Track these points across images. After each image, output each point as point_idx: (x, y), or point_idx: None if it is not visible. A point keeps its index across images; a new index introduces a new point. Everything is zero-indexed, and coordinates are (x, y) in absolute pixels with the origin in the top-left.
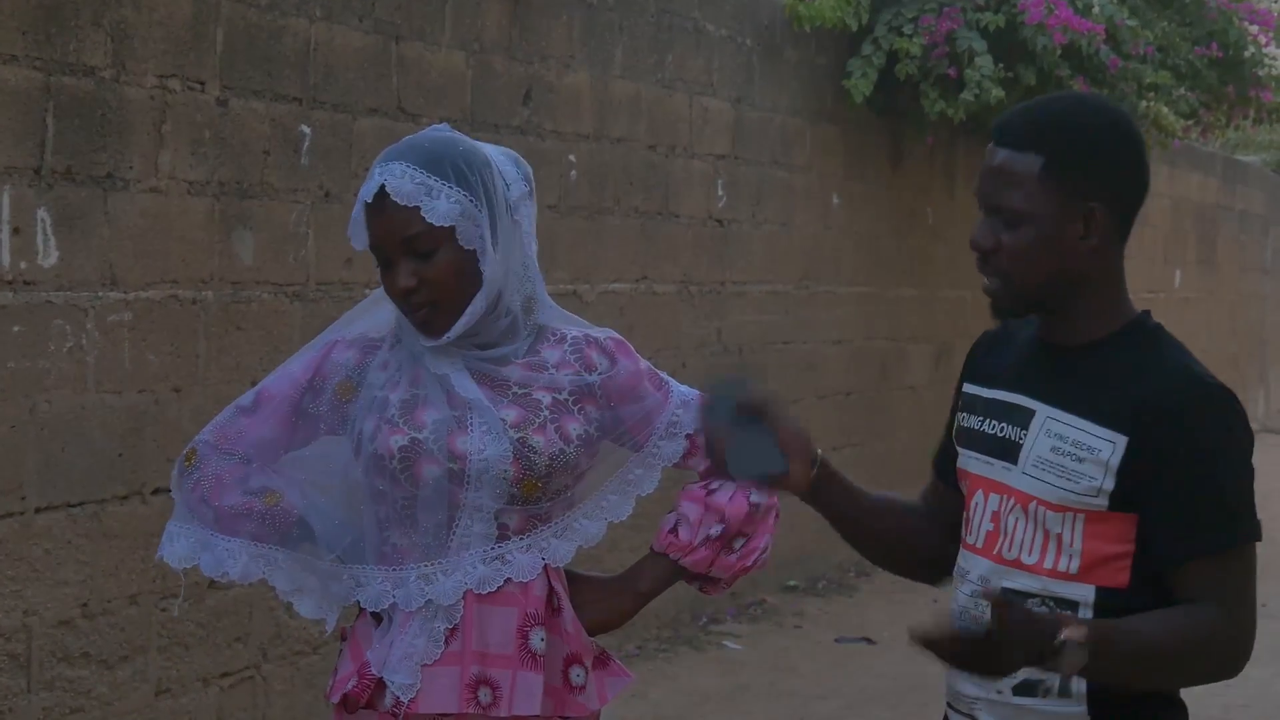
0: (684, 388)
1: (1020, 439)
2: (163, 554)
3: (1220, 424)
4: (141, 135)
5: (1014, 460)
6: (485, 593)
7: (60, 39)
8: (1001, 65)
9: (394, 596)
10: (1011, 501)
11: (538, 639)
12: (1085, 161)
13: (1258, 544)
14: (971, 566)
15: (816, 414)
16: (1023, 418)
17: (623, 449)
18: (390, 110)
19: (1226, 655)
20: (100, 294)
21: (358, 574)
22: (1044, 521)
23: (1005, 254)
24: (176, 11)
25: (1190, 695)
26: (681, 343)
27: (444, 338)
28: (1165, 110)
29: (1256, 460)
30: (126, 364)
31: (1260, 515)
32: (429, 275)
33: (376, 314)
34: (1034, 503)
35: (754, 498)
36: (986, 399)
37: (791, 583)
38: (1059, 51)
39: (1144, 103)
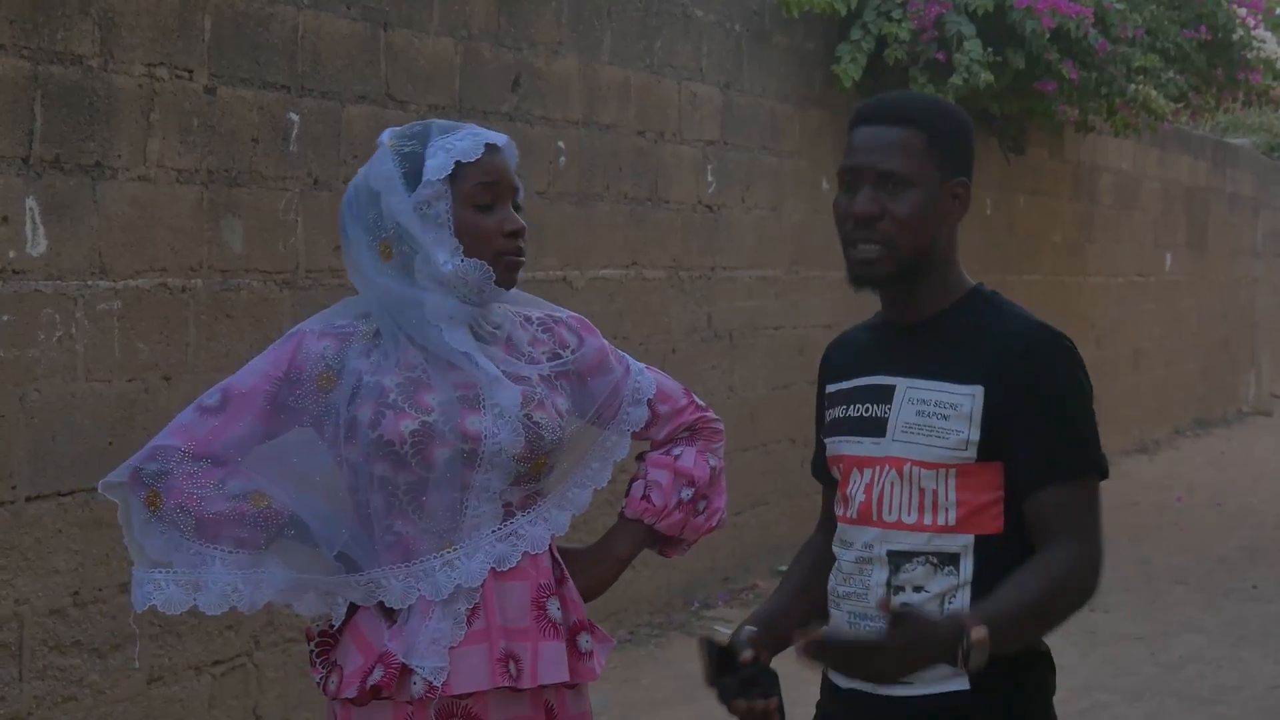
0: (635, 361)
1: (885, 414)
2: (151, 603)
3: (1065, 365)
4: (129, 124)
5: (882, 433)
6: (505, 570)
7: (48, 28)
8: (990, 49)
9: (420, 590)
10: (886, 469)
11: (555, 608)
12: (957, 140)
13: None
14: (854, 537)
15: (808, 399)
16: (885, 394)
17: (590, 426)
18: (379, 97)
19: (1085, 584)
20: (89, 283)
21: (376, 577)
22: (919, 480)
23: (891, 219)
24: None
25: (1181, 677)
26: (672, 328)
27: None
28: (1154, 93)
29: (1247, 443)
30: (116, 352)
31: (1250, 497)
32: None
33: (335, 309)
34: (908, 464)
35: (712, 461)
36: (848, 389)
37: (782, 567)
38: (1047, 35)
39: (1133, 85)
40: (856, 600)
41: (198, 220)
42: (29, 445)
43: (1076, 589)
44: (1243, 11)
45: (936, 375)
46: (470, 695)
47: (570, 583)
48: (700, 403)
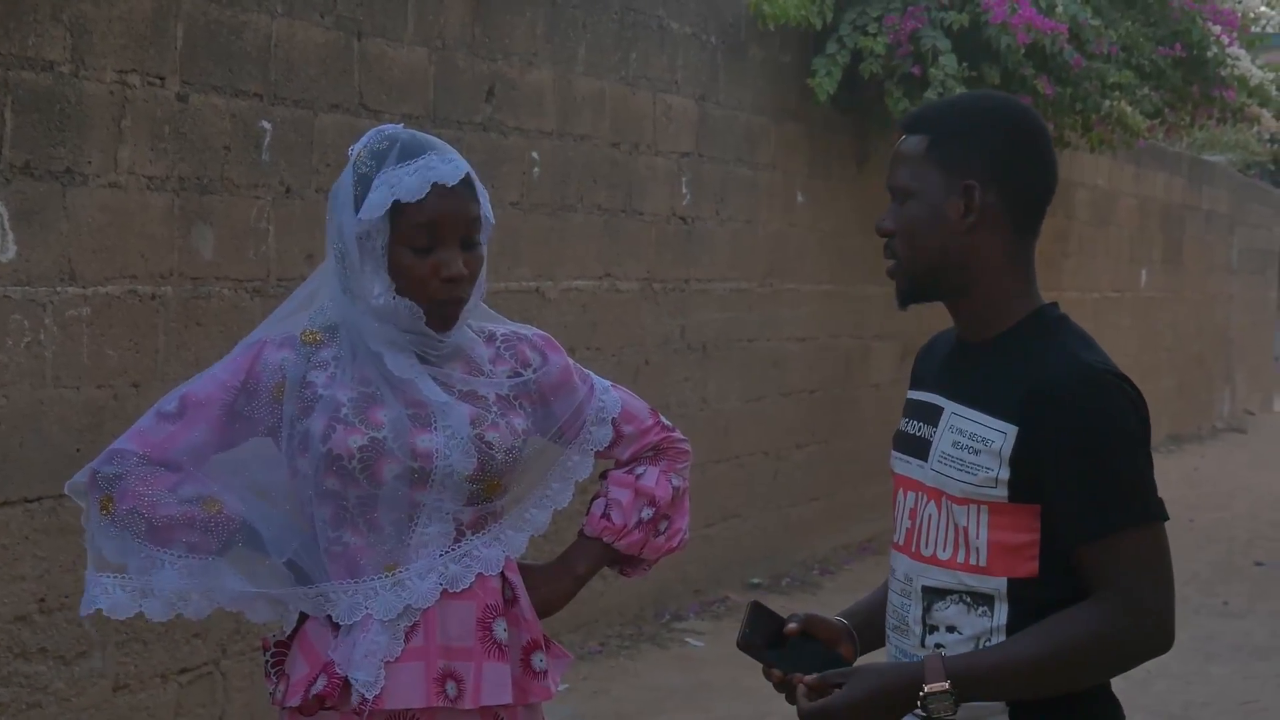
0: (601, 379)
1: (931, 436)
2: (97, 607)
3: (1105, 408)
4: (101, 130)
5: (925, 458)
6: (456, 590)
7: (19, 33)
8: (965, 64)
9: (367, 609)
10: (925, 497)
11: (501, 629)
12: (964, 140)
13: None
14: (897, 565)
15: (781, 412)
16: (934, 415)
17: (553, 445)
18: (352, 106)
19: (1131, 641)
20: (59, 289)
21: (325, 590)
22: (953, 516)
23: (899, 234)
24: (136, 6)
25: (1152, 693)
26: (645, 340)
27: (452, 331)
28: (1129, 110)
29: (1220, 460)
30: (85, 359)
31: (1223, 514)
32: (471, 266)
33: (300, 318)
34: (943, 497)
35: (675, 481)
36: (914, 401)
37: (755, 580)
38: (1022, 51)
39: (1108, 102)
40: (901, 635)
41: (168, 227)
42: None
43: (1106, 647)
44: (1218, 29)
45: (976, 404)
46: (412, 711)
47: (521, 602)
48: (666, 423)
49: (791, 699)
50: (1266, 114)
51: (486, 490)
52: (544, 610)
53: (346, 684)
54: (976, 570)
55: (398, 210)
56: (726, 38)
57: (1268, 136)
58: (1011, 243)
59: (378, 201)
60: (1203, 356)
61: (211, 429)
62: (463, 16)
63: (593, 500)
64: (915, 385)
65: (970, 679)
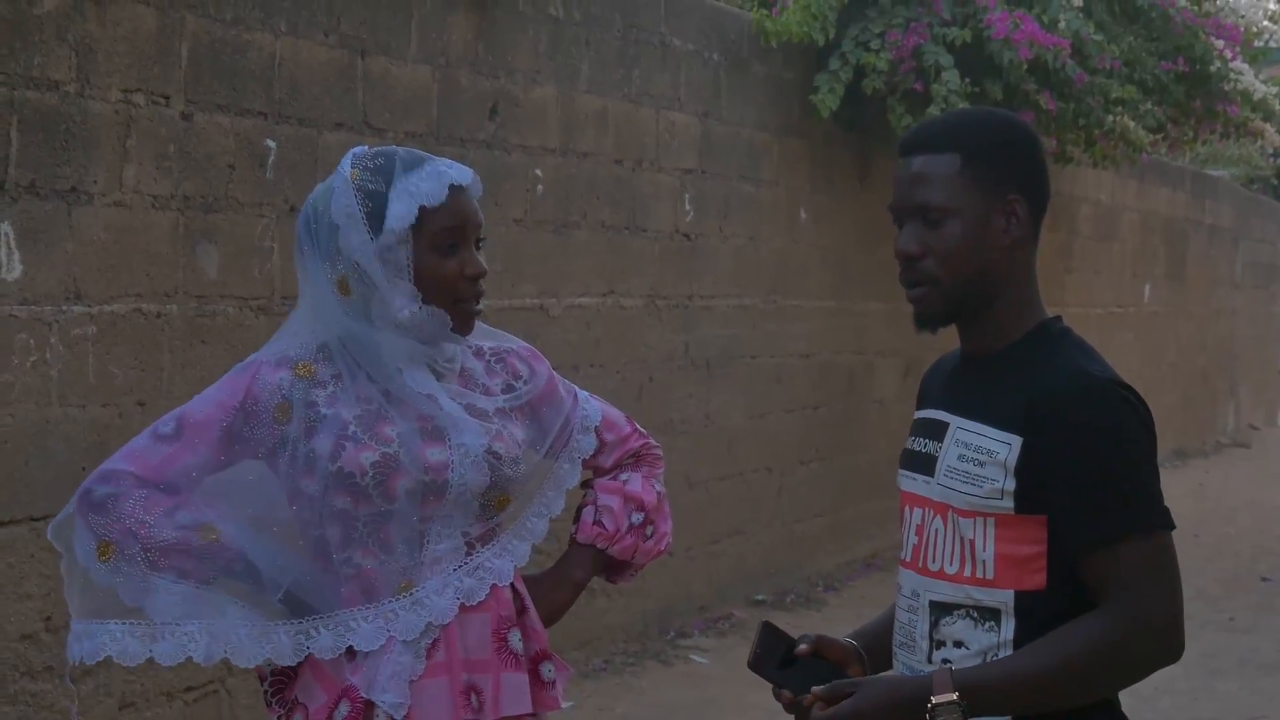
0: (580, 389)
1: (937, 452)
2: (105, 653)
3: (1107, 416)
4: (106, 149)
5: (931, 473)
6: (471, 604)
7: (24, 53)
8: (968, 80)
9: (391, 631)
10: (931, 513)
11: (516, 639)
12: (1000, 154)
13: (1173, 532)
14: (904, 581)
15: (785, 428)
16: (939, 431)
17: (543, 458)
18: (356, 124)
19: (1139, 651)
20: (64, 307)
21: (344, 620)
22: (960, 529)
23: (933, 256)
24: (141, 26)
25: (1158, 709)
26: (649, 356)
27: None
28: (1132, 124)
29: (1225, 475)
30: (90, 377)
31: (1228, 529)
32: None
33: (296, 335)
34: (950, 511)
35: (657, 486)
36: (919, 420)
37: (759, 597)
38: (1025, 66)
39: (1111, 117)
40: (908, 651)
41: (173, 246)
42: (2, 470)
43: (1114, 657)
44: (1220, 43)
45: (980, 417)
46: None
47: (531, 612)
48: (642, 430)
49: (800, 719)
50: (1270, 128)
51: (496, 505)
52: (548, 620)
53: (367, 707)
54: (984, 583)
55: (421, 217)
56: (729, 54)
57: (1271, 151)
58: (1031, 254)
59: (403, 211)
60: (1207, 371)
61: (210, 451)
62: (466, 34)
63: (580, 508)
64: (921, 404)
65: (979, 691)
